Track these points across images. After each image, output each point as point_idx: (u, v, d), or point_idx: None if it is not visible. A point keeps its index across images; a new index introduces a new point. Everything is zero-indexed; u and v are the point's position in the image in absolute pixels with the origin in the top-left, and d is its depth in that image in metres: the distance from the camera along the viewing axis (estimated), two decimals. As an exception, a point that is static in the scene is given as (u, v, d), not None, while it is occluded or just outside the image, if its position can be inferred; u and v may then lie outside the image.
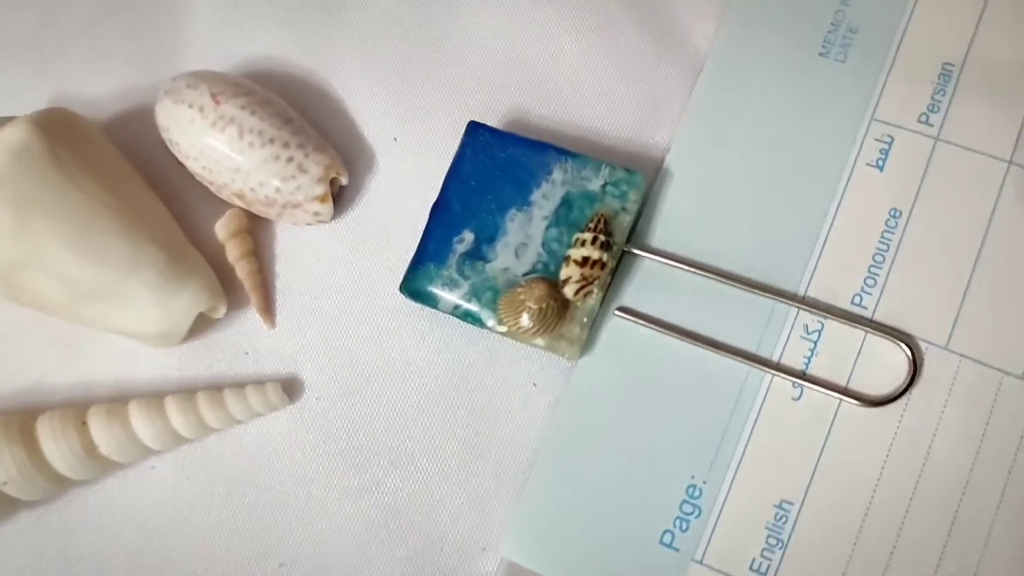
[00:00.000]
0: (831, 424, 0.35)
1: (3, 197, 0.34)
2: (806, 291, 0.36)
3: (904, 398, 0.35)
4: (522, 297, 0.35)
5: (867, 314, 0.36)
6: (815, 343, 0.36)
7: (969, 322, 0.35)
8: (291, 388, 0.37)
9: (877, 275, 0.36)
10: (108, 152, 0.38)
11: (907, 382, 0.35)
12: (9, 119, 0.36)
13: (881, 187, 0.37)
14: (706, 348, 0.35)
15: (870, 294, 0.36)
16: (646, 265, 0.37)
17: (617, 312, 0.36)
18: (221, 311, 0.38)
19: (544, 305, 0.35)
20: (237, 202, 0.38)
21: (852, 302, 0.36)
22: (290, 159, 0.37)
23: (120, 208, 0.36)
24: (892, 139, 0.37)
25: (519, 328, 0.35)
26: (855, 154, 0.37)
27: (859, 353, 0.35)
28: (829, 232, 0.37)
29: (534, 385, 0.37)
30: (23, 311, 0.39)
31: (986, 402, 0.34)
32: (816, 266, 0.36)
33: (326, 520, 0.36)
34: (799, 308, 0.36)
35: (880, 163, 0.37)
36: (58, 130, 0.36)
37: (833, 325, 0.36)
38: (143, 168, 0.39)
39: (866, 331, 0.35)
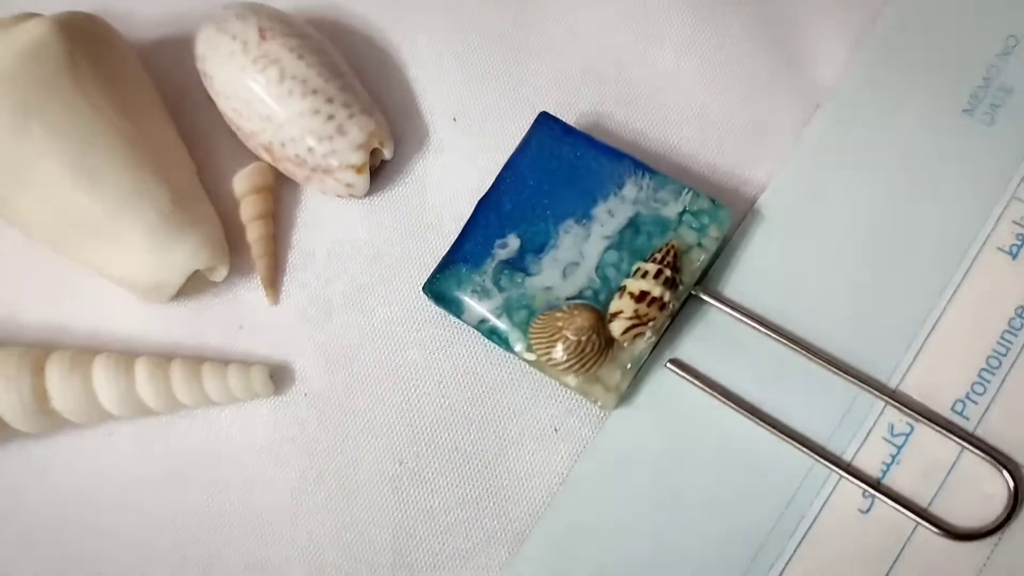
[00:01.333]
0: (901, 550, 0.28)
1: (6, 96, 0.30)
2: (899, 384, 0.30)
3: (996, 536, 0.28)
4: (560, 324, 0.30)
5: (968, 426, 0.29)
6: (899, 449, 0.29)
7: (1095, 461, 0.29)
8: (280, 376, 0.32)
9: (988, 382, 0.30)
10: (134, 73, 0.34)
11: (1003, 517, 0.28)
12: (34, 16, 0.32)
13: (1011, 278, 0.31)
14: (766, 428, 0.30)
15: (975, 403, 0.30)
16: (712, 315, 0.31)
17: (669, 364, 0.31)
18: (222, 273, 0.33)
19: (584, 338, 0.29)
20: (264, 155, 0.34)
21: (953, 408, 0.30)
22: (331, 117, 0.32)
23: (131, 134, 0.32)
24: (1034, 225, 0.31)
25: (550, 360, 0.29)
26: (986, 234, 0.31)
27: (950, 471, 0.29)
28: (939, 320, 0.30)
29: (556, 430, 0.31)
30: (11, 231, 0.34)
31: (1100, 564, 0.28)
32: (916, 357, 0.30)
33: (286, 535, 0.31)
34: (887, 403, 0.30)
35: (1014, 250, 0.31)
36: (83, 37, 0.32)
37: (925, 431, 0.29)
38: (172, 99, 0.35)
39: (963, 446, 0.29)
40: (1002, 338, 0.30)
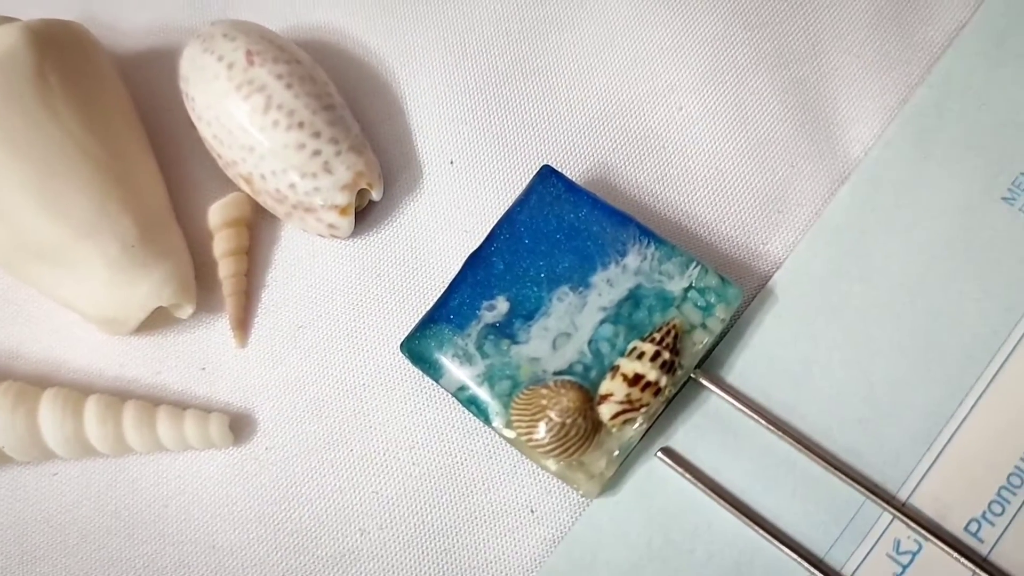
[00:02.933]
0: None
1: (-35, 107, 0.28)
2: (910, 496, 0.27)
3: (1004, 676, 0.26)
4: (544, 402, 0.27)
5: (982, 549, 0.27)
6: (904, 568, 0.27)
7: (1120, 603, 0.26)
8: (240, 427, 0.30)
9: (1007, 502, 0.27)
10: (112, 88, 0.31)
11: (1013, 656, 0.26)
12: (6, 21, 0.30)
13: (1041, 388, 0.28)
14: (760, 533, 0.27)
15: (992, 524, 0.27)
16: (712, 402, 0.29)
17: (660, 454, 0.28)
18: (187, 311, 0.31)
19: (569, 420, 0.27)
20: (244, 186, 0.31)
21: (966, 528, 0.27)
22: (317, 152, 0.30)
23: (100, 157, 0.29)
24: (1071, 331, 0.29)
25: (530, 440, 0.27)
26: (1019, 334, 0.29)
27: (959, 597, 0.26)
28: (959, 429, 0.28)
29: (532, 511, 0.29)
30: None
31: None
32: (931, 468, 0.28)
33: (231, 604, 0.28)
34: (895, 516, 0.27)
35: (1048, 357, 0.28)
36: (57, 48, 0.30)
37: (934, 551, 0.27)
38: (152, 117, 0.33)
39: (975, 571, 0.26)
40: (1026, 453, 0.28)
